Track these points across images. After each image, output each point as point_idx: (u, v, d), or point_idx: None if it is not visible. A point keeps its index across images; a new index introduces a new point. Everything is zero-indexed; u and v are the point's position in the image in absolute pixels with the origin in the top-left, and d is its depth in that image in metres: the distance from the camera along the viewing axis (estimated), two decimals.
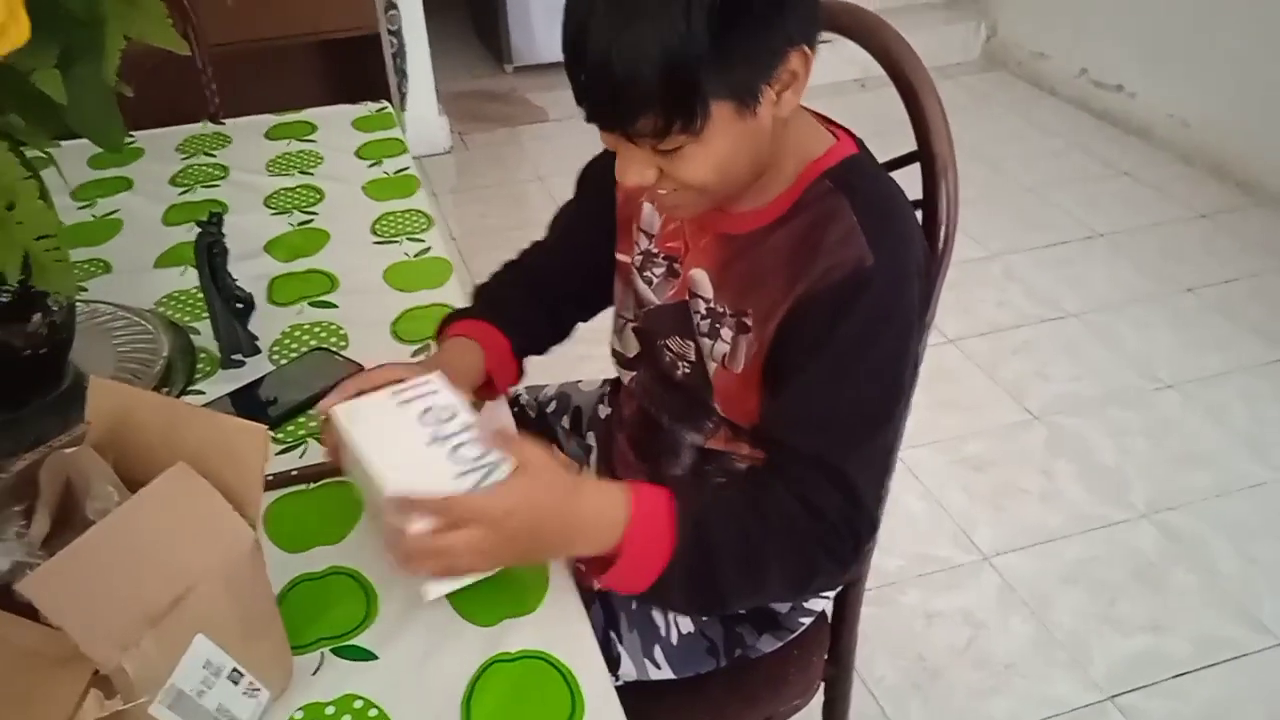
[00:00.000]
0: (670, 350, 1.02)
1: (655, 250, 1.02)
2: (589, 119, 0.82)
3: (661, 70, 0.75)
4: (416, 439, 0.78)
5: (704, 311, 0.97)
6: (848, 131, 0.95)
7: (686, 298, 0.98)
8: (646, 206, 1.02)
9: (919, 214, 0.98)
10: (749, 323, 0.92)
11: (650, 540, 0.79)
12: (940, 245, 0.99)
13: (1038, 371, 2.41)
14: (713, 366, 0.97)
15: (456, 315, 1.06)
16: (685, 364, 1.01)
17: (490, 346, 1.02)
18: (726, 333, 0.94)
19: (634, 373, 1.10)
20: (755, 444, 0.93)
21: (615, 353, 1.13)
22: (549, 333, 1.13)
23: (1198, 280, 2.72)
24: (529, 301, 1.09)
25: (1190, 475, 2.10)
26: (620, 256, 1.08)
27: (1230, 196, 3.10)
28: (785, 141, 0.88)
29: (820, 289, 0.85)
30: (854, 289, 0.83)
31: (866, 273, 0.83)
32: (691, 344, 0.99)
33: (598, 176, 1.07)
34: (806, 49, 0.81)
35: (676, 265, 0.99)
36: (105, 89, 0.85)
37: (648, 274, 1.03)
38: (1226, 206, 3.06)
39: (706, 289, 0.96)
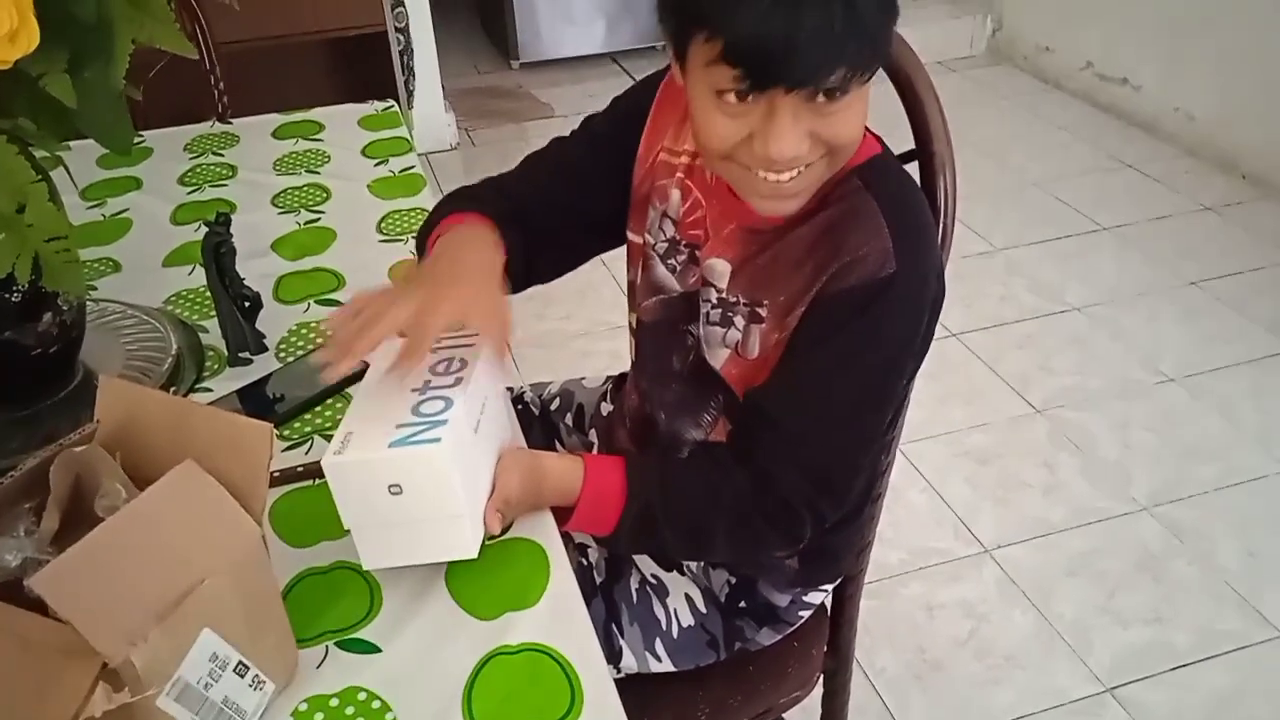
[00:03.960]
0: (680, 338, 1.04)
1: (679, 238, 1.02)
2: (761, 84, 0.78)
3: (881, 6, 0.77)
4: (409, 383, 0.82)
5: (714, 301, 0.98)
6: (871, 133, 0.95)
7: (700, 288, 1.00)
8: (674, 192, 1.01)
9: None
10: (763, 313, 0.93)
11: (602, 495, 0.89)
12: (939, 242, 1.00)
13: (1041, 365, 2.42)
14: (723, 354, 0.98)
15: (454, 206, 1.01)
16: (690, 354, 1.03)
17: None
18: (739, 321, 0.96)
19: (648, 356, 1.10)
20: (744, 410, 0.95)
21: (633, 330, 1.13)
22: (522, 273, 1.02)
23: (1203, 273, 2.72)
24: (516, 230, 1.00)
25: (1193, 468, 2.11)
26: (633, 236, 1.07)
27: (1236, 189, 3.10)
28: None
29: (842, 289, 0.86)
30: (876, 291, 0.85)
31: (888, 279, 0.85)
32: (695, 334, 1.01)
33: (631, 112, 1.04)
34: None
35: (697, 253, 1.00)
36: (114, 92, 0.87)
37: (671, 261, 1.03)
38: (1232, 199, 3.06)
39: (722, 279, 0.97)
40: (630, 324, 1.13)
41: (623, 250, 1.10)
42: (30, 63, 0.77)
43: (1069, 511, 2.02)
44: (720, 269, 0.97)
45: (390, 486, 0.77)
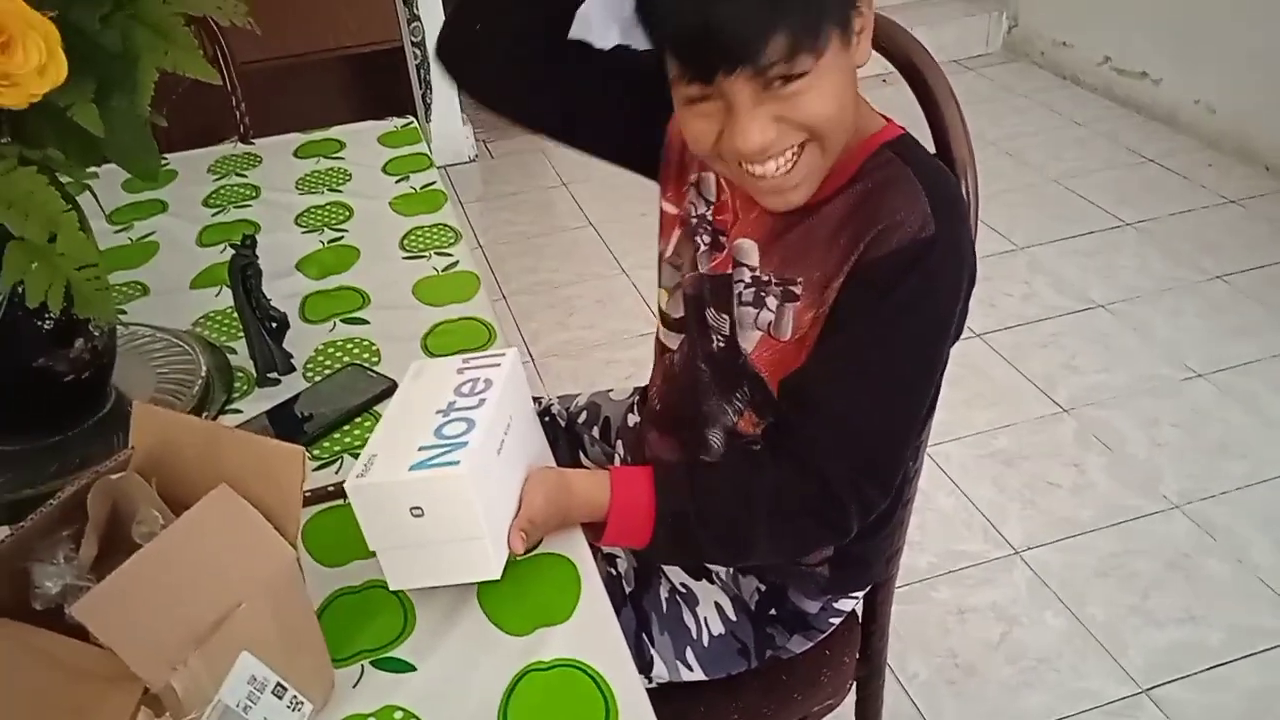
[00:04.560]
0: (707, 322, 1.03)
1: (709, 217, 1.02)
2: (702, 73, 0.80)
3: None
4: (434, 405, 0.84)
5: (748, 280, 0.97)
6: (894, 122, 0.96)
7: (730, 270, 0.99)
8: (710, 174, 1.01)
9: None
10: (797, 290, 0.93)
11: (631, 506, 0.89)
12: None
13: (1066, 363, 2.41)
14: (755, 336, 0.97)
15: None
16: (720, 338, 1.02)
17: None
18: (772, 301, 0.95)
19: (679, 337, 1.09)
20: (783, 397, 0.94)
21: (662, 313, 1.12)
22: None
23: (1228, 267, 2.70)
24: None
25: (1223, 465, 2.09)
26: (666, 206, 1.08)
27: (1259, 181, 3.07)
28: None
29: (882, 255, 0.85)
30: (914, 256, 0.84)
31: (927, 242, 0.84)
32: (727, 318, 1.00)
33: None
34: None
35: (722, 239, 1.00)
36: (140, 120, 0.88)
37: (698, 239, 1.03)
38: (1256, 191, 3.03)
39: (753, 258, 0.96)
40: (659, 302, 1.12)
41: (641, 258, 1.11)
42: (58, 94, 0.79)
43: (1098, 511, 2.00)
44: (748, 247, 0.97)
45: (412, 509, 0.78)
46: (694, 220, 1.04)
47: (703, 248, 1.03)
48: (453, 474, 0.76)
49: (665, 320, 1.12)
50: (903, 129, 0.94)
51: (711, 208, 1.02)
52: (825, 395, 0.89)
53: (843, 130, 0.86)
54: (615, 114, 1.05)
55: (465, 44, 1.04)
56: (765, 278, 0.95)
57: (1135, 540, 1.93)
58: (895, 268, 0.85)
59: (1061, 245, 2.86)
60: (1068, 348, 2.46)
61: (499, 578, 0.82)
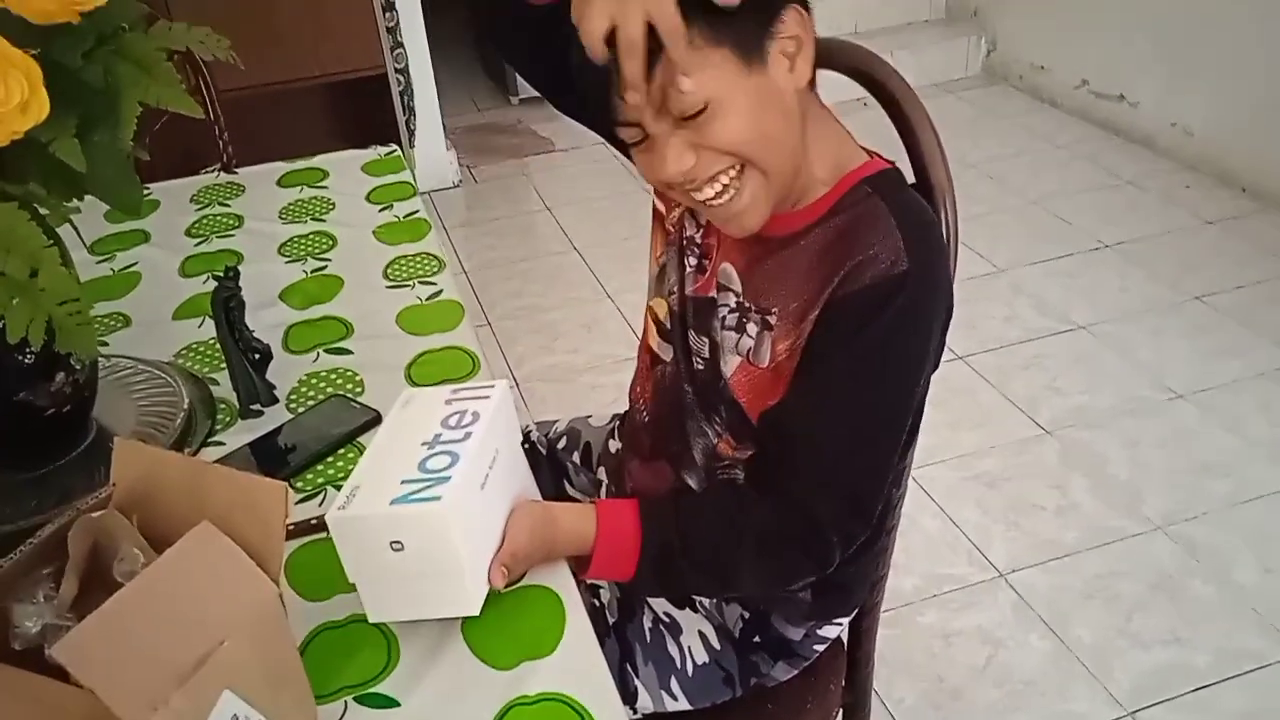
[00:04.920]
0: (690, 344, 1.04)
1: (697, 239, 1.04)
2: (600, 106, 0.84)
3: None
4: (419, 436, 0.84)
5: (733, 305, 0.98)
6: (881, 156, 0.97)
7: (714, 292, 1.00)
8: None
9: None
10: (773, 320, 0.94)
11: (617, 539, 0.89)
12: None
13: (1049, 385, 2.42)
14: (735, 361, 0.98)
15: None
16: (699, 360, 1.03)
17: None
18: (752, 328, 0.96)
19: (671, 348, 1.09)
20: (763, 431, 0.95)
21: (658, 322, 1.12)
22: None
23: (1208, 288, 2.73)
24: None
25: (1206, 485, 2.10)
26: (658, 204, 1.09)
27: (1237, 203, 3.11)
28: (823, 145, 0.92)
29: (855, 290, 0.87)
30: (887, 292, 0.85)
31: (900, 277, 0.85)
32: (707, 341, 1.01)
33: None
34: (800, 9, 0.85)
35: (706, 262, 1.02)
36: (122, 155, 0.88)
37: (686, 260, 1.04)
38: (1234, 213, 3.06)
39: (736, 283, 0.98)
40: (654, 310, 1.12)
41: (626, 282, 1.12)
42: (40, 130, 0.79)
43: (1082, 533, 2.01)
44: (730, 273, 0.98)
45: (392, 543, 0.77)
46: (684, 240, 1.05)
47: (689, 269, 1.04)
48: (433, 510, 0.76)
49: (660, 330, 1.11)
50: (888, 164, 0.95)
51: (701, 230, 1.03)
52: (806, 430, 0.90)
53: (778, 152, 0.87)
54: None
55: (499, 23, 1.05)
56: (747, 304, 0.97)
57: (1119, 562, 1.94)
58: (869, 303, 0.86)
59: (1043, 267, 2.89)
60: (1050, 369, 2.48)
61: (478, 614, 0.82)
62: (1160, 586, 1.88)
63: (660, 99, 0.82)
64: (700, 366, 1.03)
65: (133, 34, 0.87)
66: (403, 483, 0.78)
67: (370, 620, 0.83)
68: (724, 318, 0.99)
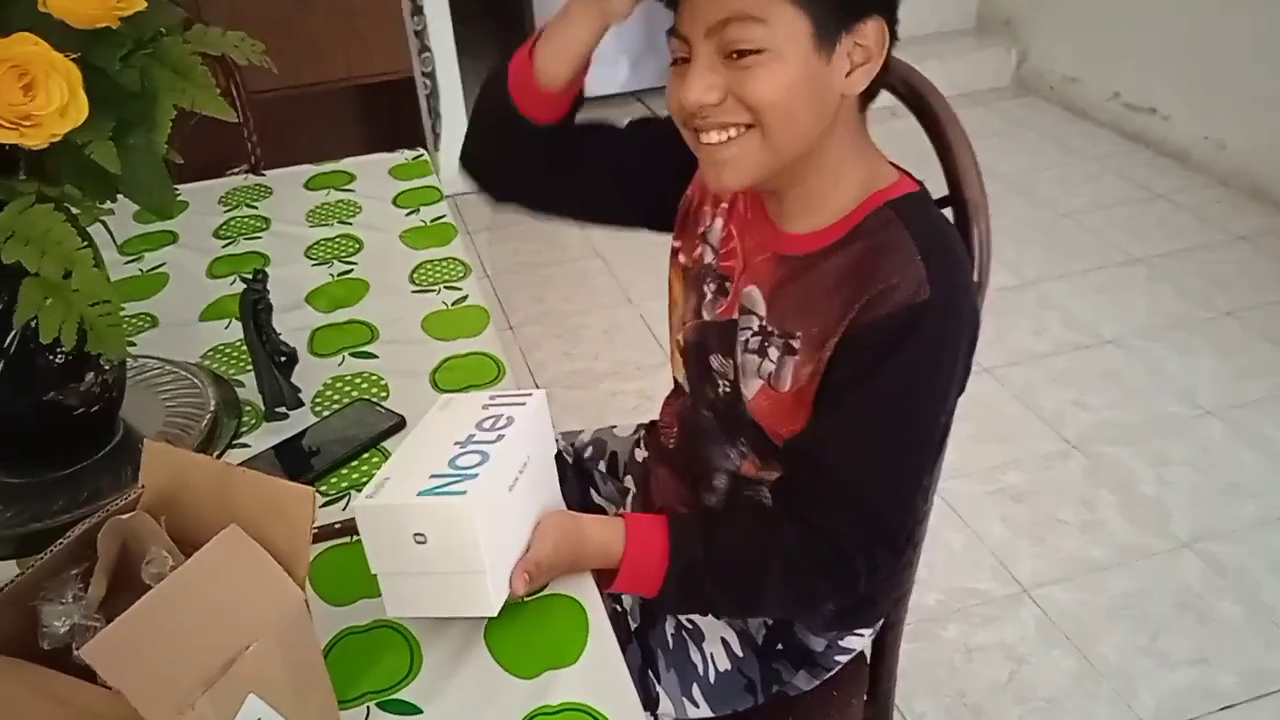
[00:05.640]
0: (713, 367, 1.04)
1: (715, 265, 1.04)
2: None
3: None
4: (453, 436, 0.84)
5: (755, 329, 0.98)
6: (911, 175, 0.97)
7: (736, 315, 1.00)
8: (718, 220, 1.04)
9: None
10: (796, 345, 0.94)
11: (644, 556, 0.89)
12: (974, 285, 1.00)
13: (1076, 400, 2.40)
14: (756, 385, 0.98)
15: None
16: (725, 382, 1.03)
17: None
18: (774, 352, 0.96)
19: (692, 377, 1.11)
20: (790, 459, 0.96)
21: (681, 353, 1.13)
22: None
23: (1239, 304, 2.70)
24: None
25: (1234, 504, 2.08)
26: (676, 244, 1.10)
27: (1270, 218, 3.07)
28: (854, 161, 0.92)
29: (877, 319, 0.86)
30: (909, 321, 0.85)
31: (922, 306, 0.85)
32: (731, 363, 1.01)
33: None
34: (885, 26, 0.86)
35: (728, 284, 1.02)
36: (157, 158, 0.89)
37: (704, 287, 1.05)
38: (1267, 229, 3.03)
39: (760, 306, 0.98)
40: (674, 344, 1.14)
41: (648, 289, 1.12)
42: (77, 132, 0.79)
43: (1108, 550, 1.99)
44: (755, 296, 0.98)
45: (415, 535, 0.78)
46: (702, 268, 1.05)
47: (709, 295, 1.04)
48: (458, 503, 0.76)
49: (684, 359, 1.13)
50: (916, 185, 0.95)
51: (718, 255, 1.03)
52: (833, 461, 0.90)
53: (792, 132, 0.88)
54: (638, 183, 1.10)
55: (487, 153, 1.08)
56: (770, 328, 0.97)
57: (1145, 580, 1.92)
58: (891, 332, 0.86)
59: (1072, 281, 2.86)
60: (1078, 384, 2.45)
61: (495, 615, 0.81)
62: (1187, 605, 1.86)
63: (724, 20, 0.83)
64: (725, 390, 1.03)
65: (169, 38, 0.87)
66: (431, 476, 0.79)
67: (388, 613, 0.83)
68: (746, 341, 0.99)
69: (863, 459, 0.89)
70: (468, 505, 0.76)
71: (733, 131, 0.88)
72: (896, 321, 0.86)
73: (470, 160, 1.09)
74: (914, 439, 0.91)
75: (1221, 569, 1.93)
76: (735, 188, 0.93)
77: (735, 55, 0.84)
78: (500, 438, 0.83)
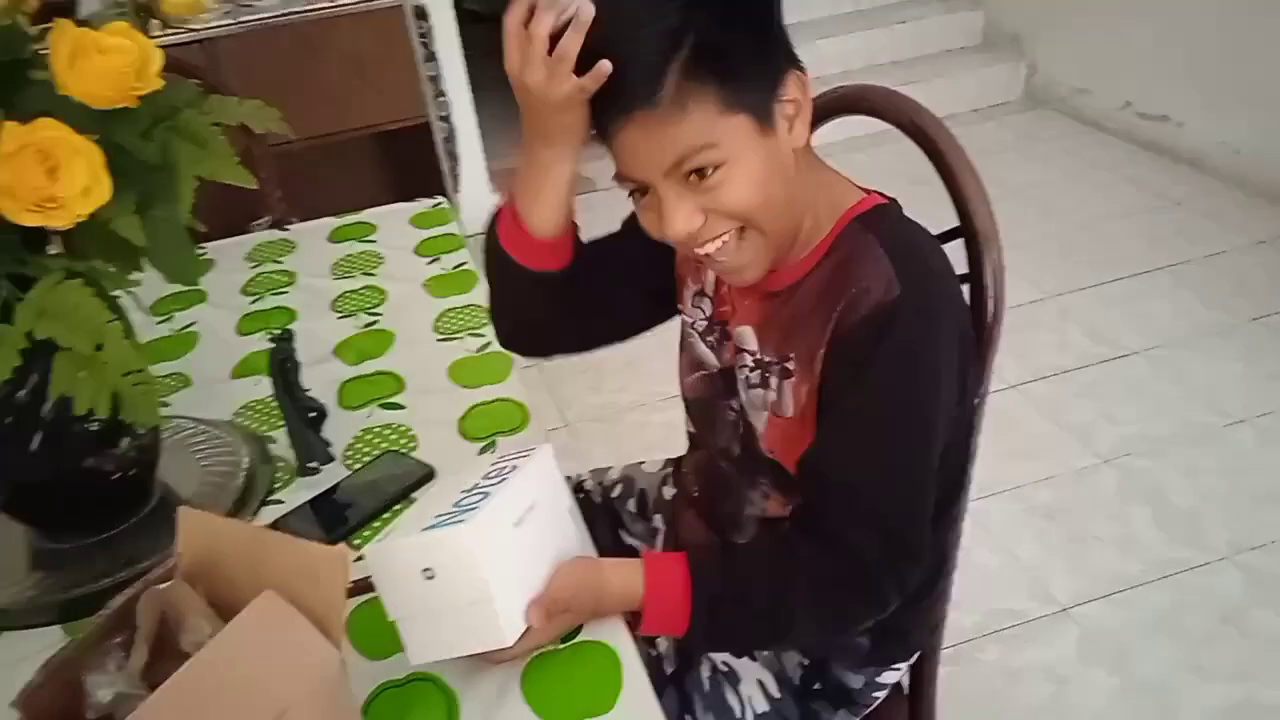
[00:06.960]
0: (724, 417, 1.06)
1: (714, 315, 1.06)
2: (603, 120, 0.88)
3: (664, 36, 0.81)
4: (460, 486, 0.88)
5: (751, 364, 1.00)
6: (881, 194, 0.98)
7: (732, 357, 1.02)
8: (709, 273, 1.06)
9: (965, 289, 1.00)
10: (791, 366, 0.95)
11: (666, 595, 0.89)
12: (989, 319, 1.00)
13: (1104, 413, 2.38)
14: (763, 417, 0.99)
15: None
16: (740, 424, 1.04)
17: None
18: (773, 380, 0.97)
19: (700, 436, 1.12)
20: (800, 480, 0.96)
21: (691, 407, 1.16)
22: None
23: (1263, 308, 2.68)
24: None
25: (1271, 512, 2.05)
26: (681, 307, 1.12)
27: None
28: (819, 194, 0.94)
29: (854, 323, 0.88)
30: (884, 320, 0.86)
31: (895, 303, 0.86)
32: (737, 403, 1.03)
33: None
34: (800, 73, 0.88)
35: (726, 328, 1.04)
36: (181, 227, 0.91)
37: (710, 339, 1.07)
38: None
39: (752, 343, 1.00)
40: (683, 401, 1.17)
41: (671, 322, 1.14)
42: (102, 208, 0.81)
43: (1145, 564, 1.97)
44: (747, 334, 1.00)
45: (424, 571, 0.80)
46: (702, 323, 1.08)
47: (715, 345, 1.06)
48: (458, 532, 0.78)
49: (695, 413, 1.16)
50: (883, 199, 0.96)
51: (715, 307, 1.06)
52: (836, 469, 0.91)
53: (777, 215, 0.89)
54: (657, 278, 1.12)
55: (519, 325, 1.12)
56: (765, 359, 0.98)
57: (1185, 593, 1.90)
58: (869, 333, 0.87)
59: (1093, 292, 2.85)
60: (1104, 397, 2.44)
61: (510, 645, 0.82)
62: (1228, 619, 1.84)
63: (677, 161, 0.84)
64: (740, 431, 1.04)
65: (188, 111, 0.90)
66: (436, 516, 0.82)
67: (411, 663, 0.84)
68: (746, 378, 1.01)
69: (862, 463, 0.90)
70: (466, 533, 0.78)
71: (727, 238, 0.89)
72: (873, 323, 0.87)
73: (510, 340, 1.14)
74: (912, 435, 0.90)
75: (1261, 579, 1.90)
76: (759, 278, 0.94)
77: (697, 177, 0.85)
78: (503, 481, 0.85)
